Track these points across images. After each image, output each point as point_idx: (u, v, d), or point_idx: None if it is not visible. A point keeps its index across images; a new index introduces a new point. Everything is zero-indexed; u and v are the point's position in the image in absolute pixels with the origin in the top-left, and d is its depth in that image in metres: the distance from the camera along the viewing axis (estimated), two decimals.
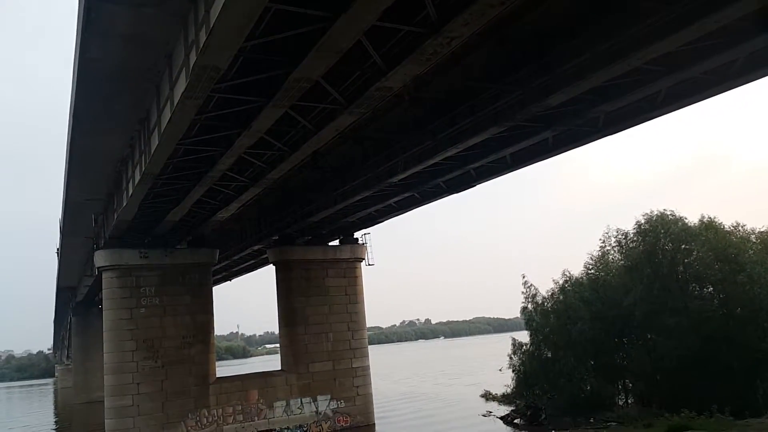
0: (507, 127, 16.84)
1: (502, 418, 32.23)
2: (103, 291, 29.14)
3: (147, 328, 28.09)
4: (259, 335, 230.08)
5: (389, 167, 20.78)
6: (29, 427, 50.46)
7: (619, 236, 30.82)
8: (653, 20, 11.67)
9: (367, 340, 34.52)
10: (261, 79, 13.10)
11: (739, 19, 11.57)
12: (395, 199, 26.38)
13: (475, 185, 24.17)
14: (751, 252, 26.94)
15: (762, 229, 28.69)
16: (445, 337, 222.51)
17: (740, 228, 28.72)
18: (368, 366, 33.47)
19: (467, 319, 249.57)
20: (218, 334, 47.55)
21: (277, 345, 37.94)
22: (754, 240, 28.22)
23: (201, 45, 10.74)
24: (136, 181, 19.53)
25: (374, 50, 11.93)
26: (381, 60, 12.18)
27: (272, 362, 43.83)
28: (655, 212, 28.98)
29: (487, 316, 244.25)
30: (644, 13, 11.74)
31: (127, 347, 27.73)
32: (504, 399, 37.12)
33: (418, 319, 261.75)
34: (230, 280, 53.43)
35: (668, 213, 28.74)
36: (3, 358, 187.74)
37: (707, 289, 28.03)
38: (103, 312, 29.34)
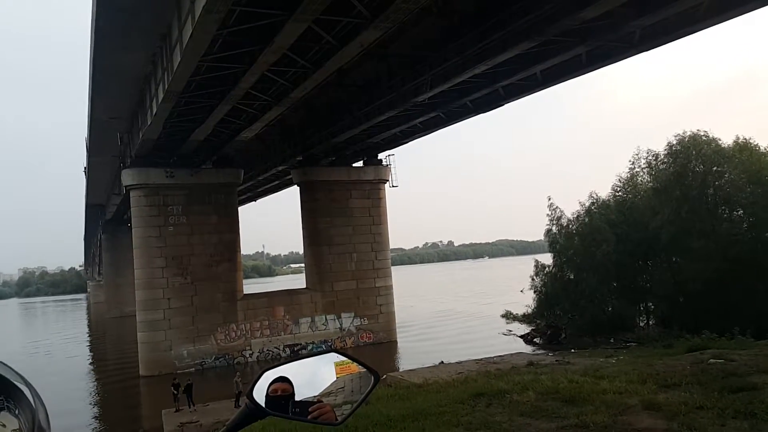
0: (538, 43, 16.20)
1: (522, 336, 32.80)
2: (132, 209, 29.68)
3: (175, 245, 28.74)
4: (284, 255, 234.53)
5: (415, 86, 20.28)
6: (68, 337, 53.08)
7: (650, 157, 30.06)
8: None
9: (390, 260, 35.03)
10: None
11: None
12: (420, 119, 25.94)
13: (503, 104, 23.55)
14: None
15: None
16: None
17: None
18: (391, 285, 34.06)
19: (490, 241, 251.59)
20: (244, 254, 48.49)
21: (302, 265, 38.66)
22: None
23: None
24: (160, 99, 19.43)
25: None
26: None
27: (297, 281, 44.81)
28: (688, 133, 28.10)
29: (510, 238, 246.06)
30: None
31: (156, 264, 28.49)
32: (525, 319, 37.61)
33: (441, 241, 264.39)
34: (255, 201, 53.99)
35: (701, 133, 27.82)
36: (37, 274, 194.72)
37: (737, 212, 27.56)
38: (132, 230, 29.96)
